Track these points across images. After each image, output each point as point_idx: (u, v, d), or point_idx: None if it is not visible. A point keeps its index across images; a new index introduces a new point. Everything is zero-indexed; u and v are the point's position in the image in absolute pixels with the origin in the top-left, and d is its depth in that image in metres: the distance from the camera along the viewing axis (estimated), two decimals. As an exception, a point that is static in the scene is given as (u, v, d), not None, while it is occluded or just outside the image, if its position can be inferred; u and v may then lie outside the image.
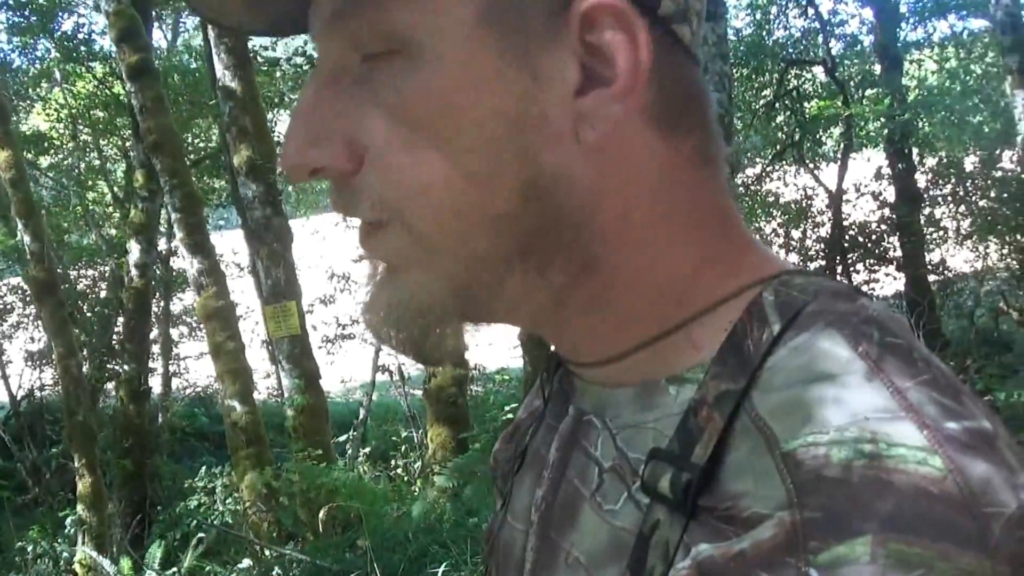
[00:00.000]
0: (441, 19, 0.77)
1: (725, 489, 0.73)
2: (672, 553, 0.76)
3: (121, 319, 14.11)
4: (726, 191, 0.90)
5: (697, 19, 0.84)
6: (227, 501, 9.99)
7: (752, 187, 16.68)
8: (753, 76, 16.83)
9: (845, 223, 15.78)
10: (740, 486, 0.72)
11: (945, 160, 15.70)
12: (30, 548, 11.01)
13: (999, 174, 15.43)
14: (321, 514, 8.67)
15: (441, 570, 6.87)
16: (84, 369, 12.56)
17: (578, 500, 0.90)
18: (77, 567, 10.44)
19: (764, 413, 0.74)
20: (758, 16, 17.76)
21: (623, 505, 0.84)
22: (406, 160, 0.81)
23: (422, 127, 0.80)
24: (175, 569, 9.29)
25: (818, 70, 16.97)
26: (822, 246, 15.75)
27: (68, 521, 11.31)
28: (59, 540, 11.13)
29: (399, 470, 11.22)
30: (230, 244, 17.54)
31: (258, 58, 14.87)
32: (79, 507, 10.90)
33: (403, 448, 11.83)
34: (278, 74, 17.85)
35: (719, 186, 0.89)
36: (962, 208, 16.08)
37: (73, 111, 17.81)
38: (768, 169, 16.96)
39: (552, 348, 1.07)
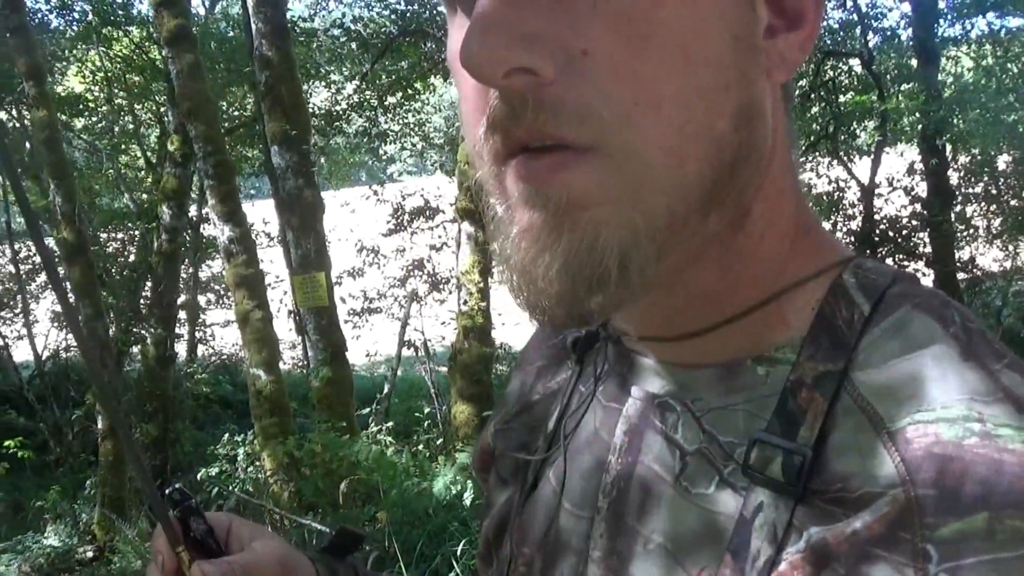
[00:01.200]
0: None
1: (832, 470, 0.74)
2: (780, 536, 0.75)
3: (149, 283, 14.15)
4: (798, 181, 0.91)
5: None
6: (248, 469, 9.99)
7: (785, 177, 16.58)
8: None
9: (876, 217, 15.69)
10: (847, 467, 0.73)
11: (979, 158, 15.61)
12: (50, 507, 11.07)
13: (1032, 174, 15.37)
14: (342, 486, 8.68)
15: (460, 548, 6.87)
16: (110, 332, 12.61)
17: (659, 484, 0.88)
18: (95, 529, 10.50)
19: (866, 393, 0.75)
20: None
21: (716, 489, 0.82)
22: (638, 68, 0.72)
23: (657, 33, 0.72)
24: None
25: (855, 62, 16.86)
26: (852, 239, 15.66)
27: (88, 483, 11.36)
28: (79, 501, 11.18)
29: (421, 446, 11.21)
30: (261, 213, 17.53)
31: (296, 28, 14.87)
32: (100, 469, 10.95)
33: (426, 424, 11.83)
34: (315, 45, 17.85)
35: (797, 171, 0.90)
36: (994, 207, 16.00)
37: (109, 74, 17.83)
38: (801, 160, 16.88)
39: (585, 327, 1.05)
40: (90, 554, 10.22)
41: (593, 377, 1.05)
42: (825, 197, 16.17)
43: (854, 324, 0.80)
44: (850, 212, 16.30)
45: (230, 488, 9.76)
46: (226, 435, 10.74)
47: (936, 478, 0.67)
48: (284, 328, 13.53)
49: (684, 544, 0.84)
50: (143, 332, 13.66)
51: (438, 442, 11.21)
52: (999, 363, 0.73)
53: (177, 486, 1.22)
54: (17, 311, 18.28)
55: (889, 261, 15.47)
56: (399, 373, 15.20)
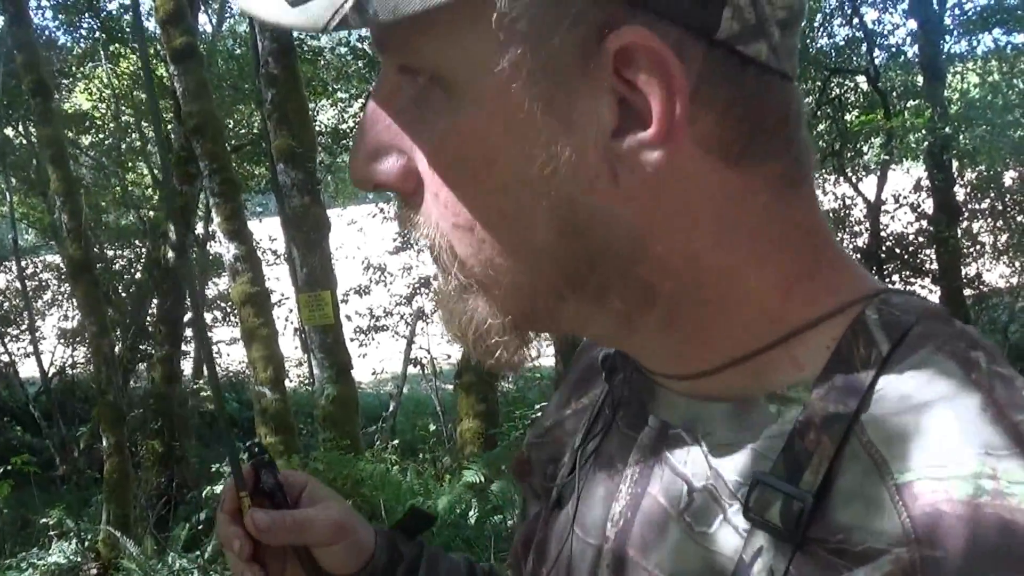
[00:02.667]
0: (469, 57, 0.75)
1: (835, 519, 0.72)
2: None
3: (155, 301, 14.16)
4: (817, 210, 0.86)
5: (780, 29, 0.77)
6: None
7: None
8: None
9: (882, 234, 15.69)
10: (851, 517, 0.71)
11: (985, 174, 15.60)
12: (54, 524, 11.06)
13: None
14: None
15: (463, 567, 6.87)
16: (116, 349, 12.61)
17: (664, 518, 0.87)
18: (100, 546, 10.49)
19: (876, 440, 0.73)
20: (802, 24, 17.69)
21: (719, 528, 0.81)
22: (447, 197, 0.80)
23: (458, 167, 0.79)
24: (198, 552, 9.31)
25: (861, 79, 16.86)
26: (859, 256, 15.66)
27: (94, 500, 11.35)
28: (83, 518, 11.17)
29: (426, 464, 11.20)
30: (267, 231, 17.57)
31: (302, 46, 14.89)
32: (105, 486, 10.94)
33: (431, 442, 11.82)
34: (321, 63, 17.87)
35: (808, 207, 0.85)
36: (1000, 223, 15.98)
37: (116, 91, 17.86)
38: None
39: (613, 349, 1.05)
40: (94, 571, 10.21)
41: (613, 401, 1.04)
42: (832, 214, 16.17)
43: (871, 364, 0.77)
44: (856, 229, 16.28)
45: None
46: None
47: (942, 540, 0.65)
48: (290, 346, 13.53)
49: None
50: (149, 350, 13.67)
51: (444, 460, 11.20)
52: (1022, 413, 0.70)
53: (256, 440, 1.32)
54: (23, 328, 18.28)
55: (895, 278, 15.51)
56: (405, 391, 15.20)
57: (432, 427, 12.42)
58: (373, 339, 17.58)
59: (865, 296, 0.83)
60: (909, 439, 0.70)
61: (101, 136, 19.12)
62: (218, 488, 10.02)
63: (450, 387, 13.01)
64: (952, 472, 0.66)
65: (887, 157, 15.24)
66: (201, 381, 18.07)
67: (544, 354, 1.26)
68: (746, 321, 0.83)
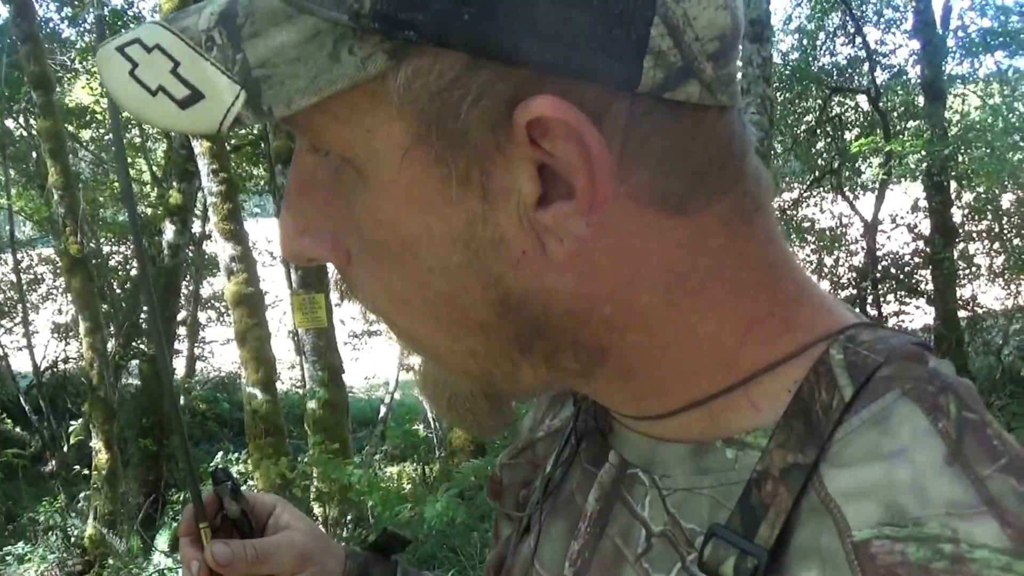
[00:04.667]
0: (374, 140, 0.71)
1: (790, 575, 0.70)
2: None
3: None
4: (775, 240, 0.82)
5: (713, 62, 0.70)
6: (241, 488, 9.96)
7: (788, 212, 16.61)
8: (796, 101, 16.78)
9: (878, 253, 15.69)
10: (807, 574, 0.69)
11: (983, 196, 15.59)
12: (41, 519, 11.05)
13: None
14: (333, 509, 8.66)
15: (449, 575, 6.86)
16: (109, 346, 12.59)
17: (620, 561, 0.86)
18: (86, 543, 10.47)
19: (835, 493, 0.70)
20: (804, 42, 17.74)
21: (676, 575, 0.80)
22: (380, 274, 0.79)
23: (381, 251, 0.77)
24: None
25: (861, 99, 16.88)
26: (854, 275, 15.67)
27: (81, 496, 11.34)
28: (71, 514, 11.16)
29: (416, 470, 11.19)
30: (264, 232, 17.53)
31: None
32: (93, 483, 10.92)
33: (421, 448, 11.81)
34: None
35: (765, 238, 0.80)
36: (996, 245, 15.97)
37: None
38: (805, 195, 16.89)
39: None
40: (79, 568, 10.20)
41: (575, 435, 1.02)
42: (828, 232, 16.18)
43: (832, 410, 0.73)
44: (852, 248, 16.30)
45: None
46: (220, 453, 10.72)
47: None
48: (284, 348, 13.50)
49: None
50: (142, 347, 13.65)
51: (434, 467, 11.19)
52: (991, 466, 0.67)
53: (221, 466, 1.30)
54: (17, 320, 18.25)
55: (891, 297, 15.50)
56: (397, 396, 15.18)
57: (423, 433, 12.40)
58: (366, 343, 17.58)
59: (830, 333, 0.80)
60: (869, 495, 0.68)
61: (101, 131, 19.07)
62: (207, 488, 10.00)
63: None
64: (911, 532, 0.65)
65: (885, 176, 15.24)
66: (193, 380, 18.04)
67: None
68: (702, 367, 0.80)
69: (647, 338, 0.79)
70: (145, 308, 14.38)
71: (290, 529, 1.30)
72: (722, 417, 0.81)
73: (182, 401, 15.84)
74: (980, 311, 15.68)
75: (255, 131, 16.52)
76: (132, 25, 16.31)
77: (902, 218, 15.72)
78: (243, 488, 1.32)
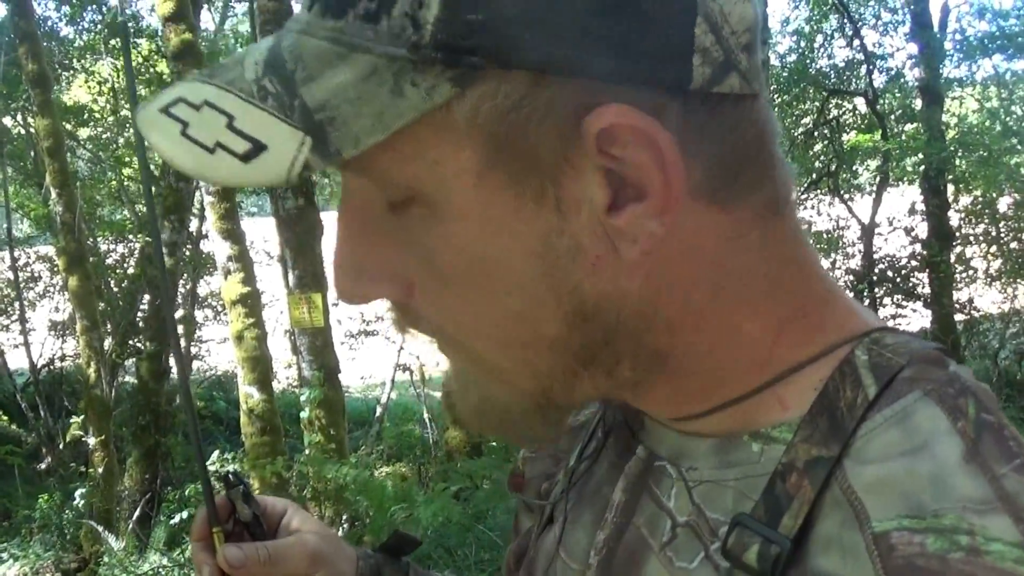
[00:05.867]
0: (443, 170, 0.72)
1: (812, 565, 0.72)
2: None
3: (147, 297, 14.12)
4: (801, 237, 0.85)
5: (747, 53, 0.74)
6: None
7: (785, 214, 16.58)
8: (794, 103, 16.75)
9: (875, 256, 15.69)
10: (828, 565, 0.71)
11: (980, 199, 15.59)
12: (37, 517, 11.03)
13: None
14: (329, 509, 8.66)
15: None
16: (106, 344, 12.58)
17: (644, 550, 0.88)
18: (82, 540, 10.46)
19: (857, 486, 0.72)
20: (802, 44, 17.72)
21: (699, 565, 0.82)
22: (450, 303, 0.80)
23: (455, 278, 0.77)
24: (179, 551, 9.28)
25: (859, 101, 16.87)
26: (851, 278, 15.66)
27: (77, 494, 11.33)
28: (67, 511, 11.14)
29: (412, 471, 11.18)
30: (261, 231, 17.51)
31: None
32: (89, 481, 10.91)
33: (417, 449, 11.80)
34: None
35: (793, 234, 0.84)
36: (993, 249, 15.96)
37: (116, 86, 17.81)
38: (803, 197, 16.88)
39: None
40: (74, 566, 10.18)
41: (605, 426, 1.05)
42: (825, 235, 16.17)
43: (856, 408, 0.76)
44: (849, 251, 16.30)
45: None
46: (216, 452, 10.71)
47: None
48: (280, 347, 13.49)
49: None
50: (139, 345, 13.63)
51: (429, 467, 11.18)
52: (1007, 465, 0.69)
53: (234, 469, 1.32)
54: (14, 318, 18.22)
55: (887, 300, 15.49)
56: (393, 397, 15.17)
57: (419, 433, 12.39)
58: (363, 344, 17.56)
59: (856, 335, 0.82)
60: (890, 489, 0.70)
61: (99, 130, 19.06)
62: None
63: (438, 394, 12.97)
64: (930, 524, 0.66)
65: (882, 178, 15.24)
66: (190, 378, 18.01)
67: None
68: (739, 368, 0.83)
69: (699, 339, 0.81)
70: (144, 308, 14.38)
71: (302, 531, 1.30)
72: (751, 414, 0.83)
73: (178, 400, 15.84)
74: (977, 314, 15.68)
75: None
76: (132, 26, 16.31)
77: (899, 221, 15.71)
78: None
